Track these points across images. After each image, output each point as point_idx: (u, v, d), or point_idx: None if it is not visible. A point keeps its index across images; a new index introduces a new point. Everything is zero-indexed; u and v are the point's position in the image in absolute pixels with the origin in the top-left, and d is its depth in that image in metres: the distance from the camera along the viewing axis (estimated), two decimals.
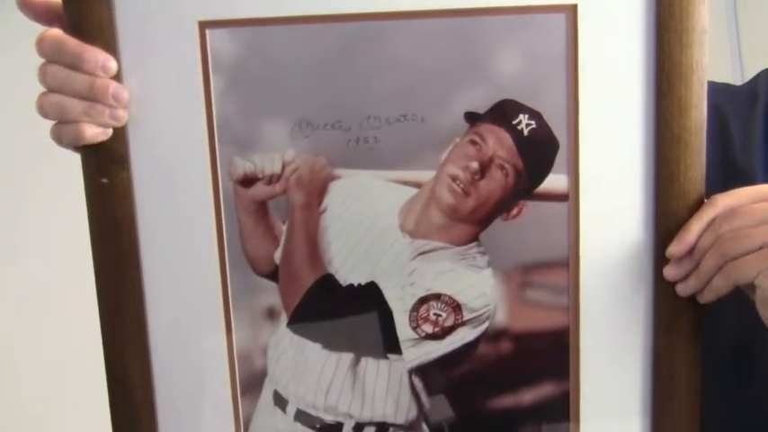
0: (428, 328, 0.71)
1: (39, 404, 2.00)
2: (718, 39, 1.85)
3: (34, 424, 2.01)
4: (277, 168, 0.70)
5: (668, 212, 0.67)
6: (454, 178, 0.69)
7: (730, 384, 0.80)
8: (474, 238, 0.70)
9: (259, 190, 0.70)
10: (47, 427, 2.01)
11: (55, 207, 1.70)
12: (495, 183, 0.69)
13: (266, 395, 0.74)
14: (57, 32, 0.66)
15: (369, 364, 0.73)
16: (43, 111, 0.67)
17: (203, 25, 0.67)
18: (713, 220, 0.65)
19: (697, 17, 0.64)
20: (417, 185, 0.70)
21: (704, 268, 0.64)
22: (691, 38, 0.64)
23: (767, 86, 0.86)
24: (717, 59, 1.81)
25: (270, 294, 0.72)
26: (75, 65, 0.66)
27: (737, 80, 1.82)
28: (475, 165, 0.69)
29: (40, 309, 1.97)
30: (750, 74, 1.78)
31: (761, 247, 0.61)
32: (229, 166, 0.70)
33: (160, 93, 0.69)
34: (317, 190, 0.70)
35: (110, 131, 0.68)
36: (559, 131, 0.68)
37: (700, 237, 0.65)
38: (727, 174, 0.74)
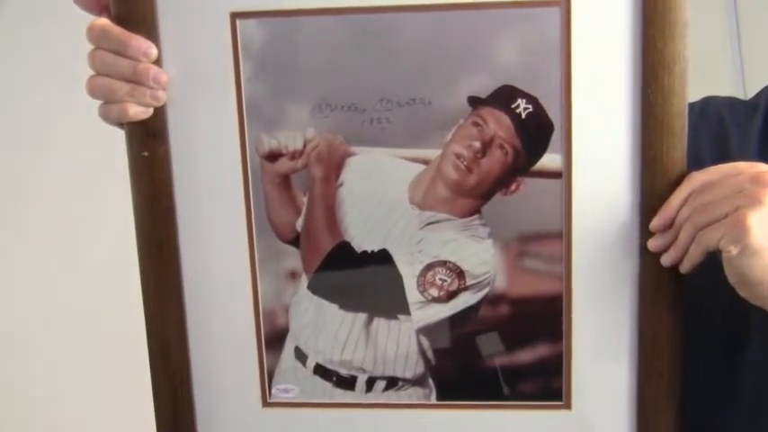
0: (434, 292, 0.77)
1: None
2: (719, 39, 1.84)
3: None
4: (299, 145, 0.75)
5: (652, 189, 0.71)
6: (458, 156, 0.74)
7: (722, 361, 0.84)
8: (476, 211, 0.75)
9: (283, 164, 0.76)
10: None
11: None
12: (495, 161, 0.74)
13: (288, 350, 0.80)
14: (105, 22, 0.72)
15: (380, 324, 0.78)
16: (92, 91, 0.73)
17: (234, 16, 0.73)
18: (690, 195, 0.69)
19: (679, 12, 0.68)
20: (425, 162, 0.75)
21: (681, 239, 0.69)
22: (673, 31, 0.68)
23: (767, 100, 0.90)
24: (717, 60, 1.82)
25: (292, 259, 0.78)
26: (120, 51, 0.71)
27: (738, 81, 1.80)
28: (477, 144, 0.73)
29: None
30: (750, 75, 1.79)
31: (726, 216, 0.66)
32: (257, 142, 0.75)
33: (195, 76, 0.74)
34: (335, 165, 0.76)
35: (150, 110, 0.74)
36: (554, 114, 0.72)
37: (679, 211, 0.70)
38: None
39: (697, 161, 0.81)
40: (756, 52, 1.81)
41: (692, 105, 0.92)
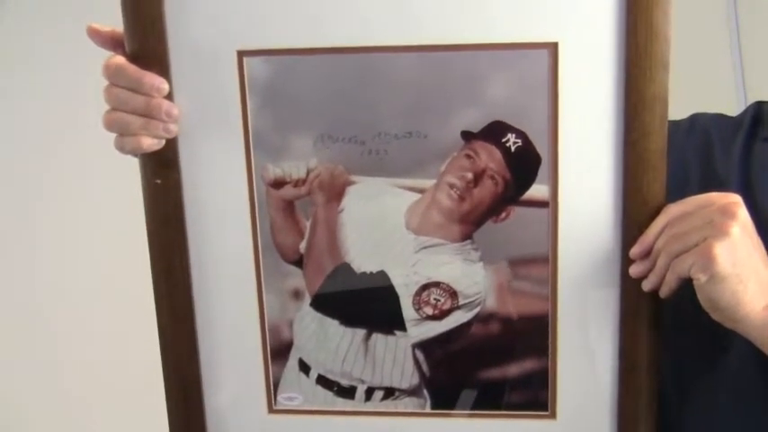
0: (429, 311, 0.81)
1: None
2: (719, 39, 1.83)
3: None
4: (303, 174, 0.79)
5: (633, 219, 0.76)
6: (452, 186, 0.78)
7: (704, 368, 0.87)
8: (468, 237, 0.79)
9: (287, 191, 0.80)
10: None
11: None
12: (486, 190, 0.78)
13: (292, 362, 0.85)
14: (120, 60, 0.75)
15: (378, 339, 0.83)
16: (108, 126, 0.76)
17: (241, 54, 0.76)
18: (666, 226, 0.74)
19: (660, 56, 0.72)
20: (421, 191, 0.79)
21: (658, 266, 0.74)
22: (654, 74, 0.72)
23: (751, 115, 0.93)
24: (717, 60, 1.82)
25: (296, 278, 0.82)
26: (134, 88, 0.75)
27: (738, 81, 1.80)
28: (470, 175, 0.77)
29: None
30: (750, 75, 1.80)
31: (696, 245, 0.70)
32: (263, 171, 0.79)
33: (205, 109, 0.78)
34: (337, 192, 0.80)
35: (163, 142, 0.77)
36: (541, 148, 0.76)
37: (656, 240, 0.74)
38: (707, 186, 0.79)
39: (684, 175, 0.85)
40: (756, 52, 1.82)
41: (679, 123, 0.96)
